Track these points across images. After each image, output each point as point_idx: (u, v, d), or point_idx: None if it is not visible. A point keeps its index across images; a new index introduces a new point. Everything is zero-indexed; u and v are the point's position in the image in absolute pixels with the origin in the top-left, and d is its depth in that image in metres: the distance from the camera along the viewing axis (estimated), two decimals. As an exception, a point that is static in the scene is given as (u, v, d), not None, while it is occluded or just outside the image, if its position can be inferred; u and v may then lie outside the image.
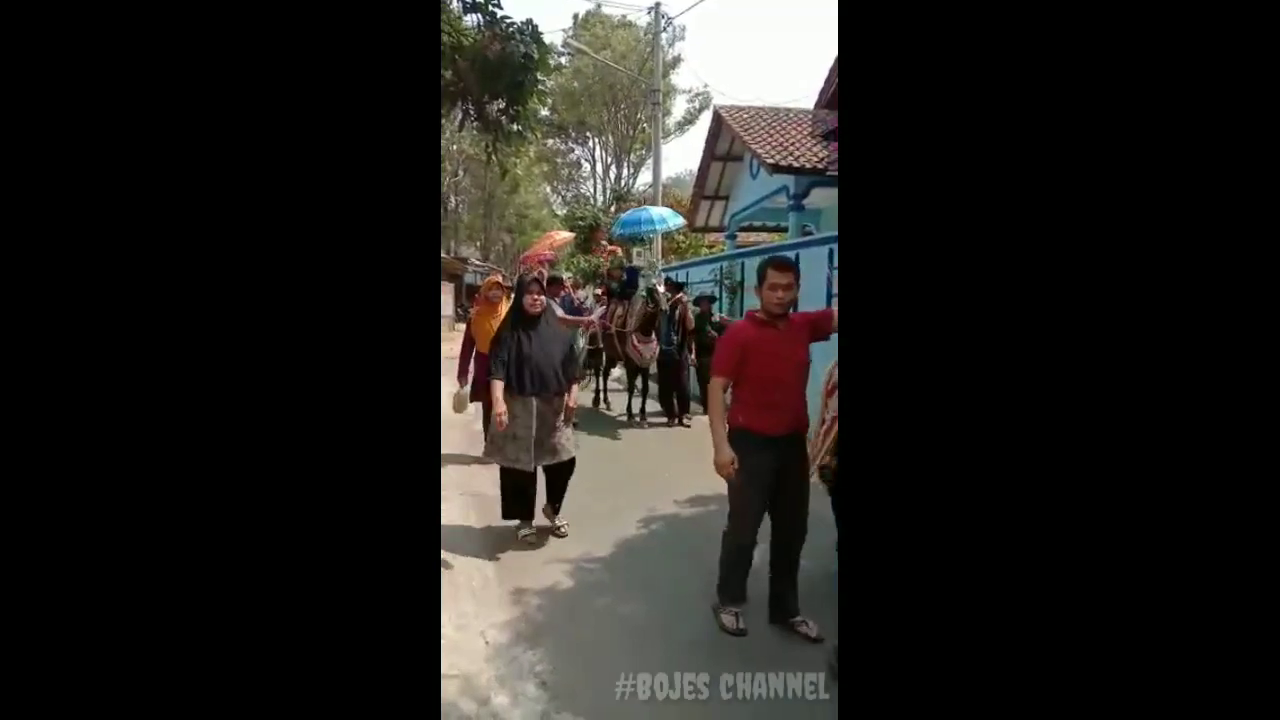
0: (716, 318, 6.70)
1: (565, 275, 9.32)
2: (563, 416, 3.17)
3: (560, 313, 5.88)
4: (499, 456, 3.12)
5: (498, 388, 3.05)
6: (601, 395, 7.18)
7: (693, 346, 6.42)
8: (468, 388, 4.54)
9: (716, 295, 7.58)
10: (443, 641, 2.28)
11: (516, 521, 3.34)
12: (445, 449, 5.09)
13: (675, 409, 6.37)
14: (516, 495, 3.24)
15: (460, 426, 6.15)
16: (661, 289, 6.49)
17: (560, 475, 3.32)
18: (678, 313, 6.30)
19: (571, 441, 3.22)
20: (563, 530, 3.33)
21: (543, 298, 3.20)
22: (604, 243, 15.13)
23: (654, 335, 6.30)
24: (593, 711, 1.96)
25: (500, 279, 5.32)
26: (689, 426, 6.14)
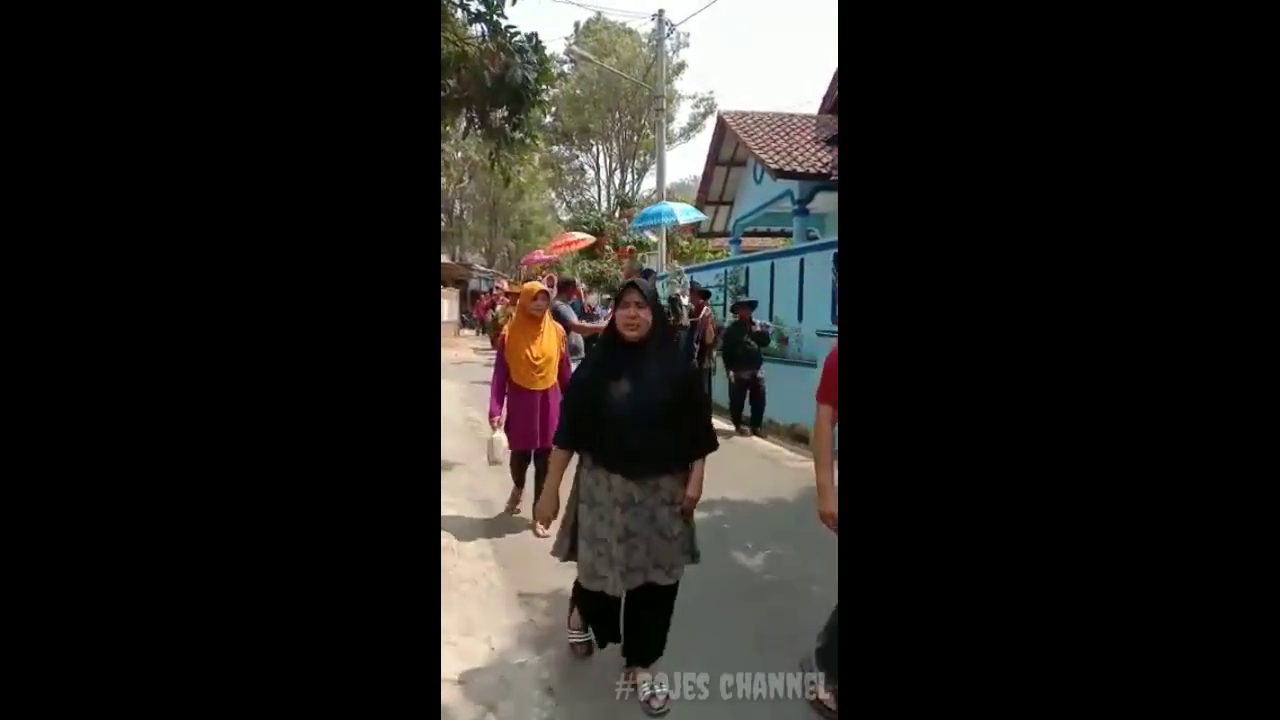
0: (758, 325, 6.08)
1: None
2: (678, 508, 1.91)
3: (575, 319, 5.47)
4: (577, 566, 1.98)
5: (559, 460, 1.93)
6: None
7: (702, 353, 6.00)
8: (500, 431, 3.37)
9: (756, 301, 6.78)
10: (447, 647, 2.29)
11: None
12: (450, 454, 5.10)
13: None
14: (597, 618, 2.11)
15: (466, 432, 6.16)
16: (686, 299, 6.01)
17: (652, 610, 2.00)
18: (698, 324, 5.81)
19: (685, 552, 1.96)
20: (656, 701, 1.97)
21: (645, 314, 1.87)
22: (609, 247, 15.11)
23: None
24: (596, 718, 1.96)
25: (548, 286, 4.41)
26: None
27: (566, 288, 6.26)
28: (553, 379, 3.40)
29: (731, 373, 6.09)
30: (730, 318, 6.42)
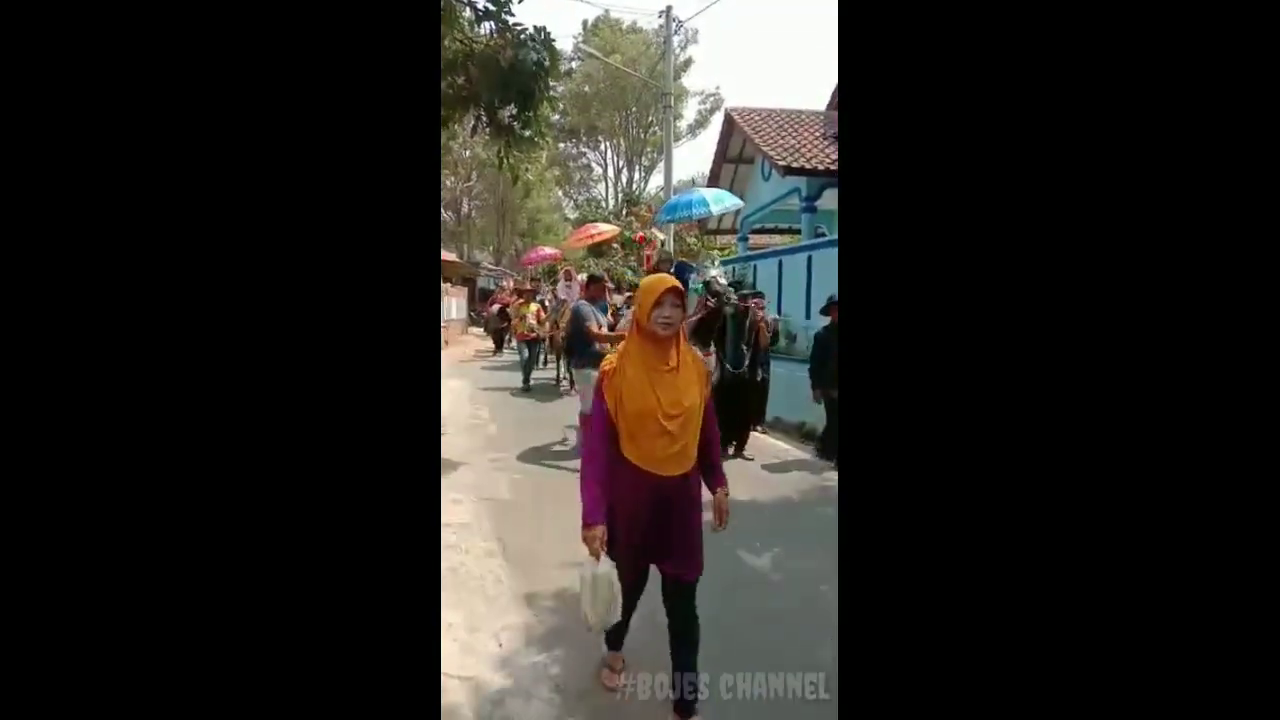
0: None
1: (581, 277, 8.29)
2: None
3: (595, 324, 4.83)
4: None
5: None
6: None
7: (754, 361, 4.81)
8: (605, 562, 1.72)
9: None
10: (455, 644, 2.30)
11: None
12: (458, 452, 5.12)
13: (739, 439, 4.98)
14: None
15: (474, 429, 6.18)
16: (724, 281, 4.82)
17: None
18: (749, 322, 4.83)
19: None
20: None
21: None
22: (616, 245, 15.05)
23: (713, 345, 4.72)
24: (605, 716, 1.96)
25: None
26: (751, 459, 4.95)
27: (596, 283, 5.44)
28: (694, 453, 1.81)
29: (819, 392, 4.86)
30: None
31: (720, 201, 6.80)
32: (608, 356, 1.85)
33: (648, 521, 1.77)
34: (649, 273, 5.96)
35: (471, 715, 1.95)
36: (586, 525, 1.73)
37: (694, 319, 4.62)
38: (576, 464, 4.69)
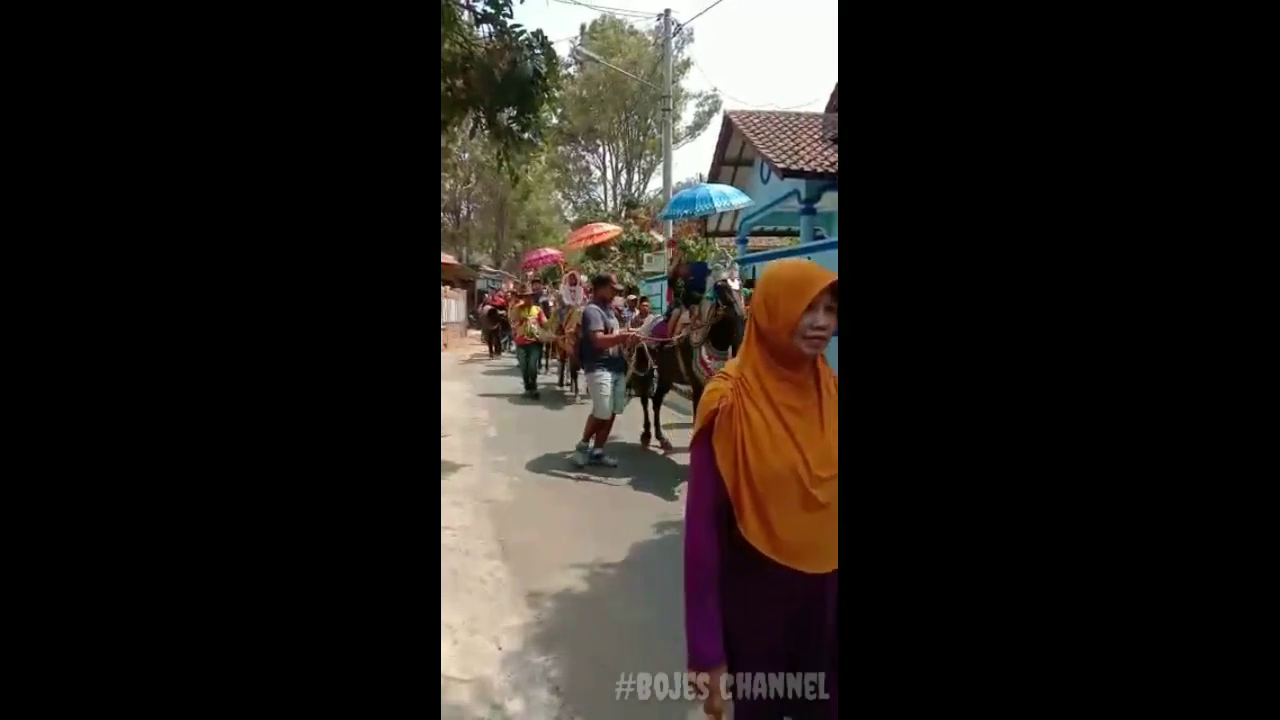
0: None
1: (584, 279, 7.67)
2: None
3: (602, 327, 4.80)
4: None
5: None
6: (654, 431, 5.53)
7: None
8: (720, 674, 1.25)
9: None
10: (456, 645, 2.30)
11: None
12: (458, 455, 5.13)
13: None
14: None
15: (474, 431, 6.19)
16: (736, 285, 4.36)
17: None
18: None
19: None
20: None
21: None
22: (614, 248, 15.03)
23: (731, 349, 4.42)
24: (605, 717, 1.96)
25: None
26: None
27: (604, 285, 5.27)
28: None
29: None
30: None
31: (725, 199, 6.81)
32: (712, 385, 1.21)
33: (781, 653, 1.22)
34: (671, 276, 5.49)
35: (471, 717, 1.95)
36: (695, 666, 1.21)
37: (705, 323, 4.48)
38: (581, 470, 4.72)
